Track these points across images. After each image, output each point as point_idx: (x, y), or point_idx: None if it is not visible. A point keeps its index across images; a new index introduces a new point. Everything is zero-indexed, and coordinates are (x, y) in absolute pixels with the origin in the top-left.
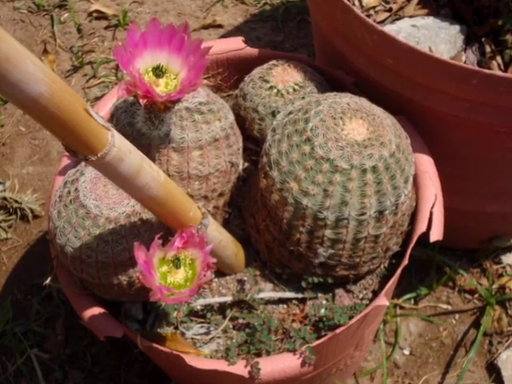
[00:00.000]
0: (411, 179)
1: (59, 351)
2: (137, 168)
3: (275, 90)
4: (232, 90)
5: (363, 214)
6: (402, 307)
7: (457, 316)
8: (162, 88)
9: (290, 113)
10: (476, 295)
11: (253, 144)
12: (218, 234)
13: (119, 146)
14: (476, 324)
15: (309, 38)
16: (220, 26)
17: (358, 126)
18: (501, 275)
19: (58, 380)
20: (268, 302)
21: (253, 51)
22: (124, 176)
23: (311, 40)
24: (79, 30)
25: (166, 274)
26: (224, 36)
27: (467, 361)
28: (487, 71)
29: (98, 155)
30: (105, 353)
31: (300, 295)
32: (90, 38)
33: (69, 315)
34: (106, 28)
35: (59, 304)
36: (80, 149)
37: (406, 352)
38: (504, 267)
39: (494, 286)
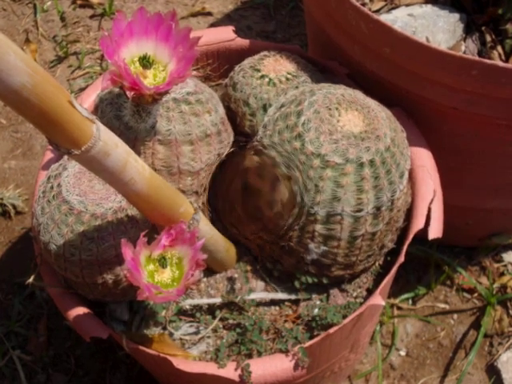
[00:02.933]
0: (406, 174)
1: (42, 353)
2: (123, 162)
3: (267, 79)
4: (221, 79)
5: (360, 210)
6: (399, 308)
7: (455, 316)
8: (150, 80)
9: (282, 106)
10: (475, 294)
11: (243, 137)
12: (208, 229)
13: (105, 140)
14: (475, 324)
15: (302, 26)
16: (209, 14)
17: (354, 118)
18: (502, 274)
19: (40, 383)
20: (260, 303)
21: (244, 42)
22: (109, 171)
23: (304, 29)
24: (63, 19)
25: (153, 273)
26: (213, 24)
27: (467, 363)
28: (488, 61)
29: (82, 149)
30: (89, 355)
31: (293, 296)
32: (75, 27)
33: (52, 315)
34: (92, 17)
35: (42, 304)
36: (63, 142)
37: (403, 353)
38: (505, 265)
39: (495, 285)
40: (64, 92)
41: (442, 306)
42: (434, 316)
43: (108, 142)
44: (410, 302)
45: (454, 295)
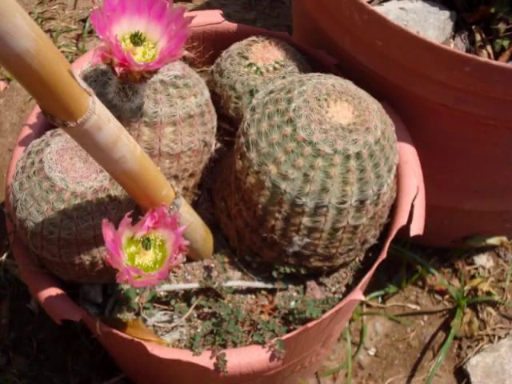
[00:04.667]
0: (394, 168)
1: (3, 336)
2: (114, 139)
3: (254, 68)
4: (206, 65)
5: (344, 202)
6: (368, 305)
7: (425, 317)
8: (139, 57)
9: (272, 92)
10: (446, 296)
11: (227, 124)
12: (188, 216)
13: (99, 114)
14: (445, 326)
15: (281, 18)
16: (189, 1)
17: (342, 109)
18: (473, 277)
19: (0, 366)
20: (236, 291)
21: (231, 26)
22: (101, 146)
23: (284, 20)
24: None
25: (134, 255)
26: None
27: (435, 365)
28: (482, 59)
29: (78, 121)
30: (52, 339)
31: (270, 285)
32: (51, 4)
33: (15, 297)
34: None
35: (5, 285)
36: (59, 113)
37: (371, 352)
38: (477, 268)
39: (466, 288)
40: (65, 61)
41: (413, 306)
42: (405, 316)
43: (101, 115)
44: (380, 300)
45: (425, 296)
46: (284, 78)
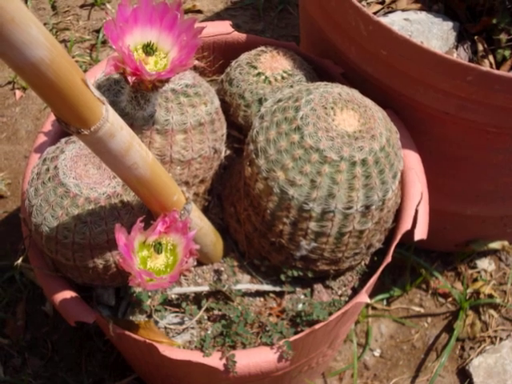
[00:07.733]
0: (399, 175)
1: (19, 337)
2: (127, 146)
3: (263, 77)
4: (216, 75)
5: (350, 207)
6: (373, 308)
7: (429, 319)
8: (151, 66)
9: (280, 100)
10: (449, 299)
11: (236, 131)
12: (198, 221)
13: (112, 121)
14: (448, 328)
15: (289, 28)
16: (199, 12)
17: (348, 117)
18: (475, 280)
19: (16, 367)
20: (245, 294)
21: (240, 36)
22: (114, 153)
23: (292, 31)
24: (54, 7)
25: (146, 259)
26: (203, 22)
27: (439, 365)
28: (484, 68)
29: (91, 129)
30: (66, 341)
31: (278, 288)
32: (65, 15)
33: (30, 300)
34: (82, 6)
35: (21, 288)
36: (73, 121)
37: (376, 353)
38: (479, 272)
39: (469, 291)
40: (79, 70)
41: (417, 309)
42: (409, 318)
43: (114, 123)
44: (385, 302)
45: (429, 299)
46: (292, 86)
